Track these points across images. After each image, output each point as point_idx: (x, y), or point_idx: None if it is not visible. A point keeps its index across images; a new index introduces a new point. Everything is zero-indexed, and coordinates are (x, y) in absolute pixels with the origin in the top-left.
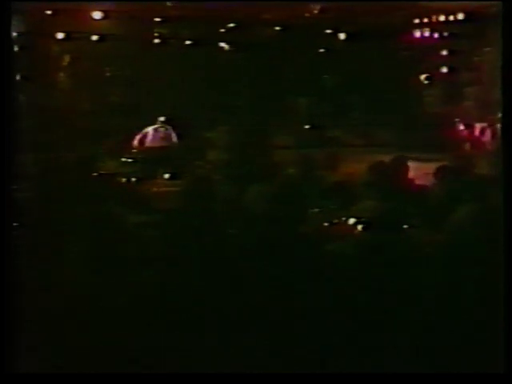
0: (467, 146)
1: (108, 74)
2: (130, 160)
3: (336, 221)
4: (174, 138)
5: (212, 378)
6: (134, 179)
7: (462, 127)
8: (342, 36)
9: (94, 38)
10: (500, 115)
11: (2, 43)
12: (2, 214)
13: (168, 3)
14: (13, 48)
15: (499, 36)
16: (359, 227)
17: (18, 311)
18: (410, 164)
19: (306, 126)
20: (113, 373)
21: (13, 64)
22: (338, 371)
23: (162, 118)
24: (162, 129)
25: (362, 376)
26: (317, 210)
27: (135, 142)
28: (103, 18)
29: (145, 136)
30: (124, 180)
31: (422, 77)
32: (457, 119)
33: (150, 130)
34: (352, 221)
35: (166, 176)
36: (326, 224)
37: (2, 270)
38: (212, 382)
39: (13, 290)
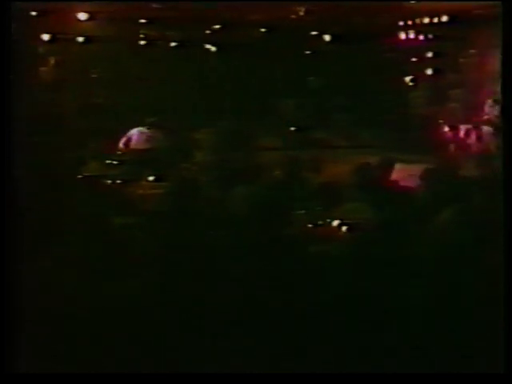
0: (452, 147)
1: (94, 76)
2: (115, 162)
3: (320, 222)
4: (160, 140)
5: (202, 379)
6: (119, 181)
7: (447, 129)
8: (327, 38)
9: (80, 39)
10: (486, 117)
11: (2, 43)
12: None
13: (154, 5)
14: (12, 49)
15: (493, 37)
16: (343, 229)
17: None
18: (396, 165)
19: (292, 128)
20: (113, 373)
21: (11, 65)
22: (327, 371)
23: (147, 120)
24: (146, 131)
25: (362, 376)
26: (302, 211)
27: (120, 144)
28: (89, 20)
29: (130, 138)
30: (109, 182)
31: (407, 78)
32: (442, 121)
33: (135, 131)
34: (336, 222)
35: (152, 178)
36: (310, 225)
37: (2, 271)
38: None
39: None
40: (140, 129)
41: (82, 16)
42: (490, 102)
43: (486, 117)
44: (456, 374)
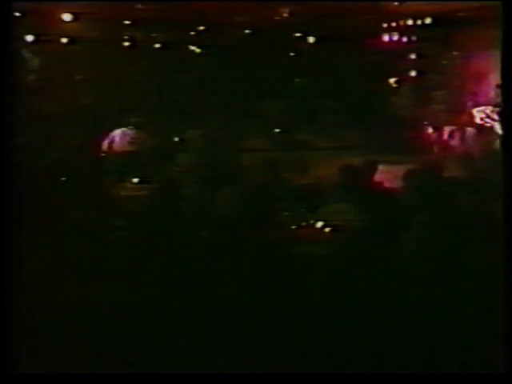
0: (436, 148)
1: (78, 77)
2: (100, 164)
3: (304, 224)
4: (143, 141)
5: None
6: (102, 183)
7: (431, 130)
8: (311, 39)
9: (64, 40)
10: (465, 118)
11: (2, 43)
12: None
13: (138, 6)
14: (12, 48)
15: (477, 38)
16: (327, 230)
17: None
18: (380, 167)
19: (276, 130)
20: (113, 373)
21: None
22: (313, 372)
23: (131, 121)
24: (129, 132)
25: (361, 376)
26: (286, 213)
27: (103, 145)
28: (73, 21)
29: (113, 139)
30: (92, 184)
31: (392, 80)
32: (426, 122)
33: (118, 132)
34: (320, 224)
35: (136, 180)
36: (294, 227)
37: (2, 271)
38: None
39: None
40: (123, 130)
41: (66, 17)
42: (476, 102)
43: (471, 117)
44: (456, 374)
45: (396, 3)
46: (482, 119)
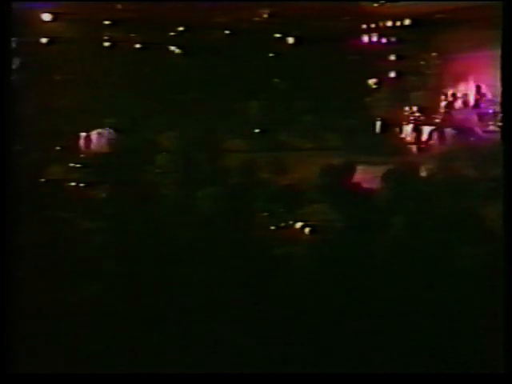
0: (414, 148)
1: (57, 78)
2: (78, 165)
3: (283, 224)
4: (122, 142)
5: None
6: (82, 185)
7: (409, 130)
8: (290, 40)
9: (44, 40)
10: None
11: (2, 43)
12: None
13: (118, 6)
14: (12, 49)
15: (455, 40)
16: (306, 230)
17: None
18: (358, 167)
19: (256, 130)
20: (113, 373)
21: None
22: (293, 372)
23: (110, 122)
24: (105, 132)
25: (361, 376)
26: (265, 213)
27: (81, 146)
28: (53, 21)
29: (91, 140)
30: (72, 185)
31: (371, 81)
32: (404, 123)
33: (94, 133)
34: (299, 224)
35: (115, 181)
36: (273, 227)
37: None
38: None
39: None
40: (101, 130)
41: (46, 17)
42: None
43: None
44: (456, 374)
45: (375, 4)
46: (459, 119)
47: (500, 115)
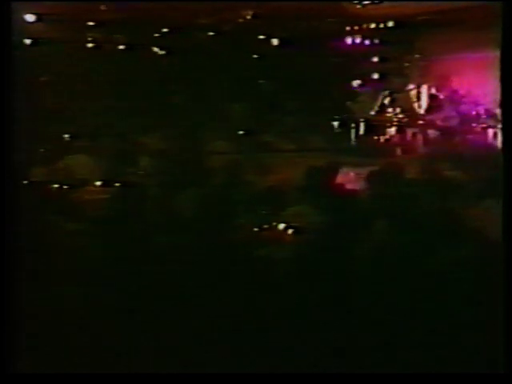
0: (399, 150)
1: (40, 79)
2: (61, 167)
3: (266, 226)
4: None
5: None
6: (66, 186)
7: (393, 132)
8: (275, 42)
9: (27, 41)
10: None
11: (2, 43)
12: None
13: (102, 7)
14: (13, 49)
15: (439, 42)
16: (289, 232)
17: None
18: (342, 169)
19: (240, 132)
20: (113, 373)
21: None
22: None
23: (94, 123)
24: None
25: (360, 376)
26: (248, 215)
27: (64, 148)
28: (36, 21)
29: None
30: (56, 187)
31: (355, 83)
32: (388, 124)
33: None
34: (282, 226)
35: (99, 183)
36: (256, 229)
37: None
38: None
39: None
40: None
41: (29, 17)
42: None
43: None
44: (456, 374)
45: (359, 6)
46: (443, 120)
47: (487, 116)
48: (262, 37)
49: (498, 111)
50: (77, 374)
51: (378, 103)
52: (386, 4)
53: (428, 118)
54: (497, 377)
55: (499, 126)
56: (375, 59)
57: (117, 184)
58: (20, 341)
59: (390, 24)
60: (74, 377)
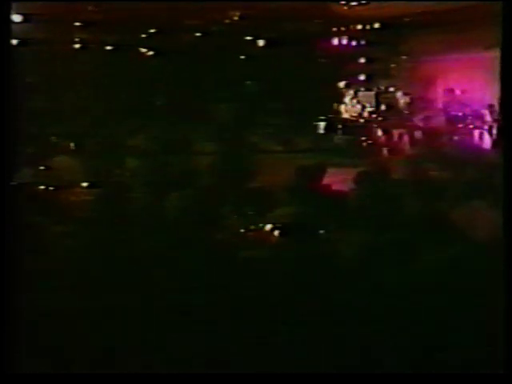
0: (385, 151)
1: (27, 80)
2: (47, 168)
3: (253, 227)
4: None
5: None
6: (52, 188)
7: (380, 133)
8: (261, 43)
9: (14, 42)
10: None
11: (2, 43)
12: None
13: (89, 7)
14: (12, 48)
15: (423, 43)
16: (276, 233)
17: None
18: (328, 169)
19: (226, 132)
20: (112, 373)
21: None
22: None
23: (81, 125)
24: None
25: (360, 375)
26: (235, 216)
27: (51, 149)
28: (23, 22)
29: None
30: (41, 189)
31: (341, 84)
32: (375, 125)
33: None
34: (269, 227)
35: (85, 184)
36: (242, 230)
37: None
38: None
39: None
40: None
41: (17, 18)
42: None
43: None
44: (456, 374)
45: (345, 7)
46: (428, 121)
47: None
48: (248, 38)
49: (484, 112)
50: (77, 374)
51: (365, 104)
52: (372, 5)
53: (414, 118)
54: (497, 377)
55: (485, 127)
56: (362, 60)
57: (103, 185)
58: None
59: (377, 25)
60: (74, 377)
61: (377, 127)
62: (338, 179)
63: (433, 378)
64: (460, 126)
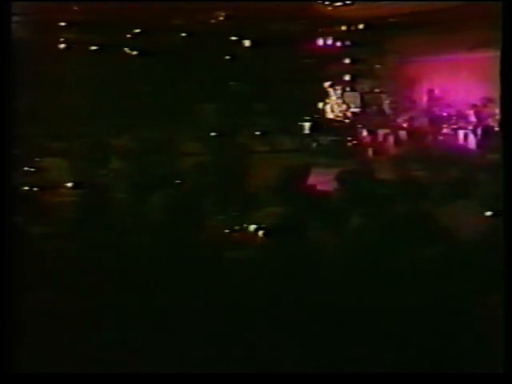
0: (370, 151)
1: (12, 80)
2: (32, 169)
3: (237, 228)
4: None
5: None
6: (36, 189)
7: (365, 133)
8: (247, 43)
9: None
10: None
11: (2, 43)
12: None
13: (74, 7)
14: (12, 48)
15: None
16: (260, 233)
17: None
18: (313, 169)
19: (212, 133)
20: (113, 373)
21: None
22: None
23: (66, 125)
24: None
25: (359, 375)
26: (220, 217)
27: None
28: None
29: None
30: (26, 189)
31: (326, 84)
32: (360, 126)
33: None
34: (253, 227)
35: (70, 185)
36: (227, 231)
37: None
38: None
39: None
40: None
41: None
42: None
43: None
44: (456, 374)
45: (330, 8)
46: (412, 121)
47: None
48: (234, 38)
49: (468, 112)
50: (77, 374)
51: (349, 104)
52: (356, 6)
53: (398, 119)
54: (497, 377)
55: (470, 127)
56: (346, 61)
57: (88, 185)
58: None
59: (361, 26)
60: (75, 377)
61: (362, 127)
62: (322, 179)
63: (433, 378)
64: (444, 126)
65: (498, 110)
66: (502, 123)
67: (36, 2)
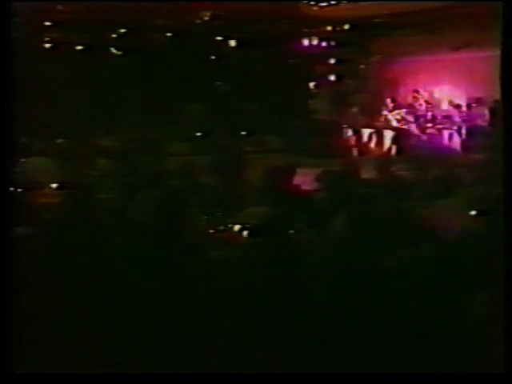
0: (354, 151)
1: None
2: (18, 169)
3: (222, 227)
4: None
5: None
6: (20, 190)
7: (349, 133)
8: (232, 43)
9: None
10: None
11: (2, 43)
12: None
13: (59, 7)
14: (13, 49)
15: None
16: (245, 233)
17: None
18: (298, 169)
19: (198, 133)
20: (113, 373)
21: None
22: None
23: (51, 126)
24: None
25: (359, 375)
26: (205, 217)
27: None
28: None
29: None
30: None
31: (311, 84)
32: (345, 125)
33: None
34: (237, 227)
35: (54, 186)
36: (211, 231)
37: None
38: None
39: None
40: None
41: None
42: (389, 106)
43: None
44: (456, 374)
45: (315, 8)
46: (398, 121)
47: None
48: (219, 38)
49: (453, 112)
50: (77, 374)
51: (335, 104)
52: (342, 6)
53: (383, 119)
54: (497, 377)
55: (454, 127)
56: (332, 61)
57: (72, 186)
58: None
59: (346, 26)
60: (75, 377)
61: (347, 127)
62: (307, 179)
63: (433, 378)
64: (429, 126)
65: (484, 110)
66: (502, 123)
67: (36, 1)
